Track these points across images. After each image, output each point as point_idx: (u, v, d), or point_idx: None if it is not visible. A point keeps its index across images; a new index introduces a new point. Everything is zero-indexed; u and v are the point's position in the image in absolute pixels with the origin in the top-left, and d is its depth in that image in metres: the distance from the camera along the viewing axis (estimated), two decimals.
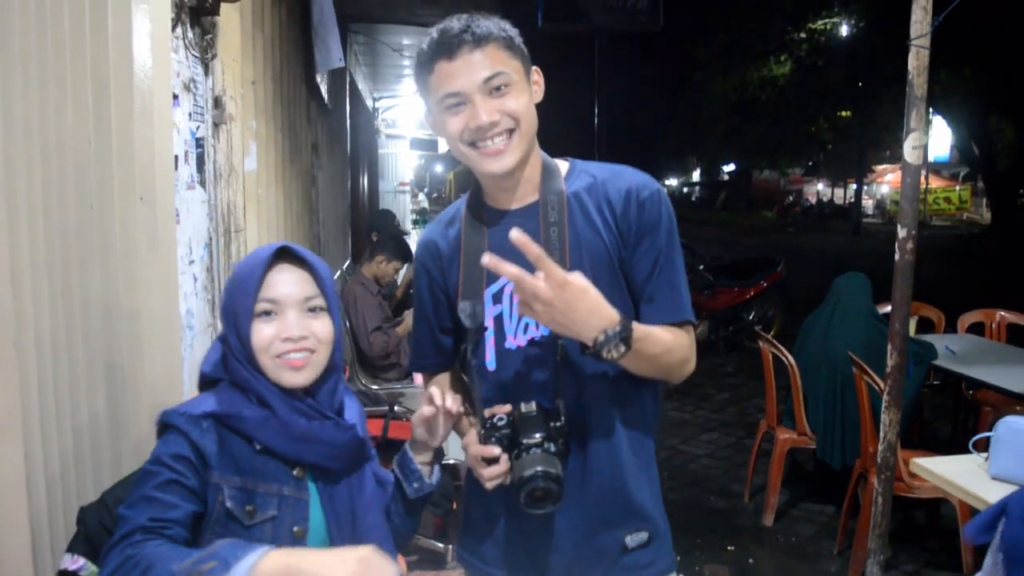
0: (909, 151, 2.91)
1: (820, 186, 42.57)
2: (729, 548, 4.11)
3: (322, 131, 6.46)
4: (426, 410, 1.53)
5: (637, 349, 1.42)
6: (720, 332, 8.63)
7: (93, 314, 1.73)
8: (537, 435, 1.47)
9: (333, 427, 1.47)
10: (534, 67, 1.58)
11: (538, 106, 1.58)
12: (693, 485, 4.98)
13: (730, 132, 31.63)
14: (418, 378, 4.63)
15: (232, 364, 1.45)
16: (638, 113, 26.81)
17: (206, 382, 1.52)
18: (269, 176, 4.10)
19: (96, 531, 1.56)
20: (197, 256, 3.04)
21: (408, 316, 5.10)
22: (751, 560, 4.00)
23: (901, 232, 2.96)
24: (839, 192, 41.41)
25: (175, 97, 2.69)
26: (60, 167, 1.59)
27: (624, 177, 1.60)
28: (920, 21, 2.86)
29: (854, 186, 32.98)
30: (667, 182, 50.65)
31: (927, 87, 2.91)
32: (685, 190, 49.49)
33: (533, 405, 1.51)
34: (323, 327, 1.48)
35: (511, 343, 1.60)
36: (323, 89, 6.20)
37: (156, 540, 1.27)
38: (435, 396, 1.53)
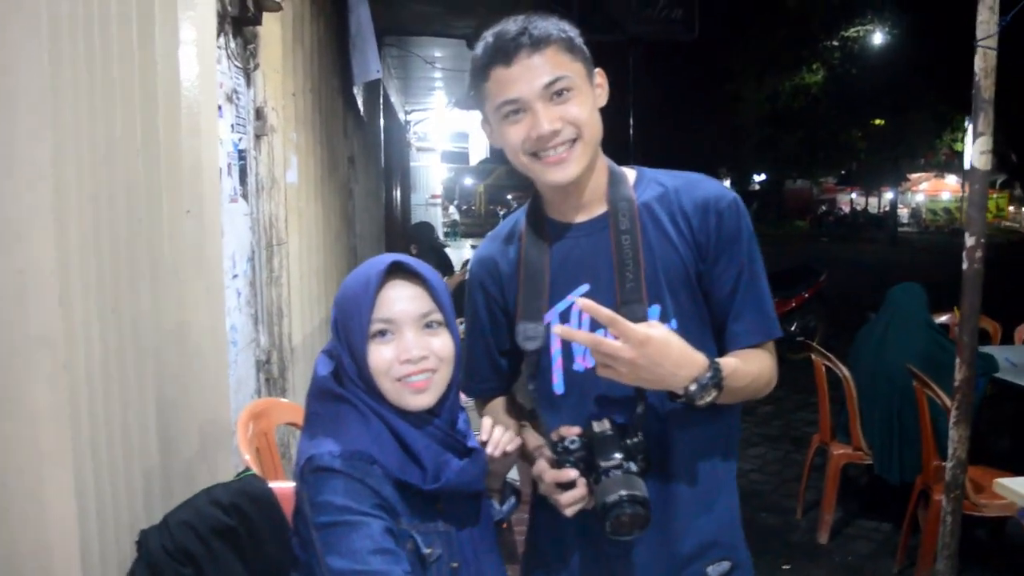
0: (977, 156, 2.79)
1: (853, 195, 42.11)
2: (784, 567, 3.97)
3: (358, 144, 6.43)
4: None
5: (727, 387, 1.34)
6: None
7: (143, 332, 1.67)
8: (616, 456, 1.36)
9: (469, 463, 1.38)
10: (597, 69, 1.48)
11: None
12: (742, 502, 4.82)
13: (762, 142, 31.40)
14: (462, 395, 4.55)
15: (348, 385, 1.35)
16: (670, 124, 26.64)
17: (324, 397, 1.40)
18: (309, 189, 4.06)
19: (158, 555, 1.49)
20: (240, 270, 2.99)
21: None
22: None
23: (969, 240, 2.84)
24: (873, 201, 40.95)
25: (219, 108, 2.64)
26: (110, 179, 1.52)
27: (700, 186, 1.50)
28: (987, 21, 2.74)
29: (888, 195, 32.56)
30: None
31: (993, 89, 2.79)
32: None
33: (607, 423, 1.41)
34: (443, 344, 1.37)
35: (580, 364, 1.50)
36: (359, 102, 6.17)
37: None
38: (484, 430, 1.44)
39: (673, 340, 1.31)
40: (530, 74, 1.38)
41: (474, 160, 18.19)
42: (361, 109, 6.26)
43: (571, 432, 1.42)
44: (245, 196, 3.09)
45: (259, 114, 3.21)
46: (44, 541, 1.31)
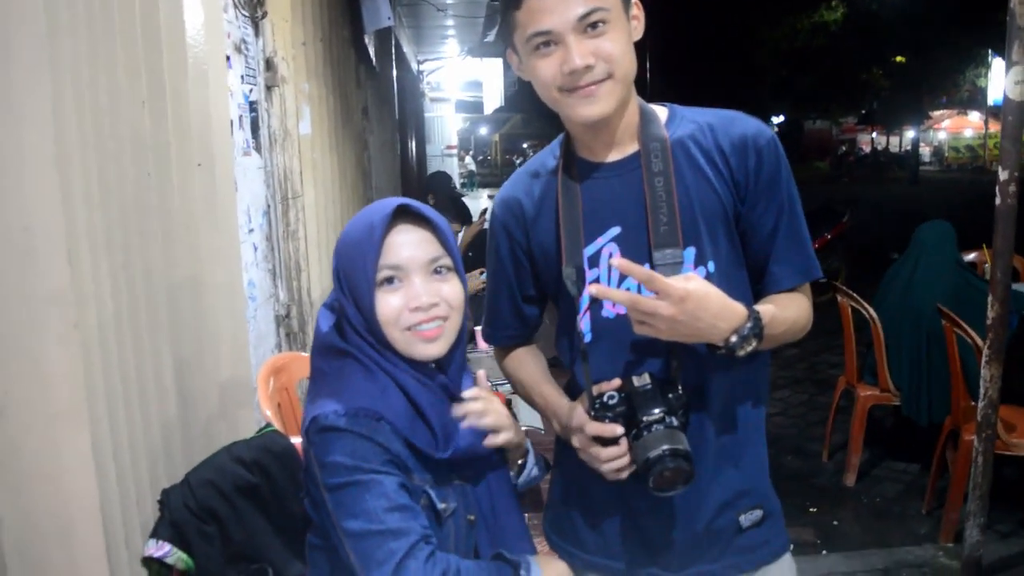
0: (1011, 86, 2.69)
1: (874, 135, 41.48)
2: (811, 510, 3.96)
3: (371, 95, 6.34)
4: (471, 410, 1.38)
5: (767, 335, 1.30)
6: None
7: (156, 289, 1.63)
8: (657, 410, 1.31)
9: (475, 431, 1.35)
10: (635, 0, 1.39)
11: None
12: (768, 445, 4.82)
13: (780, 82, 30.88)
14: (481, 343, 4.53)
15: (353, 339, 1.30)
16: (684, 64, 26.19)
17: (328, 352, 1.35)
18: (324, 140, 4.00)
19: (181, 514, 1.48)
20: (256, 224, 2.96)
21: (473, 277, 5.00)
22: (835, 522, 3.84)
23: (1002, 175, 2.74)
24: (894, 140, 40.30)
25: (227, 59, 2.58)
26: (114, 130, 1.48)
27: (737, 123, 1.42)
28: None
29: (910, 133, 32.00)
30: None
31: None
32: None
33: (647, 377, 1.36)
34: (453, 290, 1.32)
35: (610, 311, 1.43)
36: (371, 52, 6.07)
37: (437, 552, 1.22)
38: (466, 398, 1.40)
39: (712, 292, 1.25)
40: (564, 4, 1.29)
41: (488, 109, 18.02)
42: (373, 59, 6.16)
43: (610, 387, 1.37)
44: (258, 149, 3.04)
45: (269, 64, 3.14)
46: (63, 501, 1.30)
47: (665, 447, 1.27)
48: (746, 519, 1.47)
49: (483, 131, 42.96)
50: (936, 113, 36.86)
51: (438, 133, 17.33)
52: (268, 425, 1.78)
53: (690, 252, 1.39)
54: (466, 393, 1.38)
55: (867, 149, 39.49)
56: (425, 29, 11.45)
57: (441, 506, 1.28)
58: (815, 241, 6.62)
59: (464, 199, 7.15)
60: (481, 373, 1.45)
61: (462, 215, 5.11)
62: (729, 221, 1.41)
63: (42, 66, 1.23)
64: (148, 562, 1.45)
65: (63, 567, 1.32)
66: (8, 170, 1.22)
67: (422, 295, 1.27)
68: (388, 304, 1.26)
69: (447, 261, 1.32)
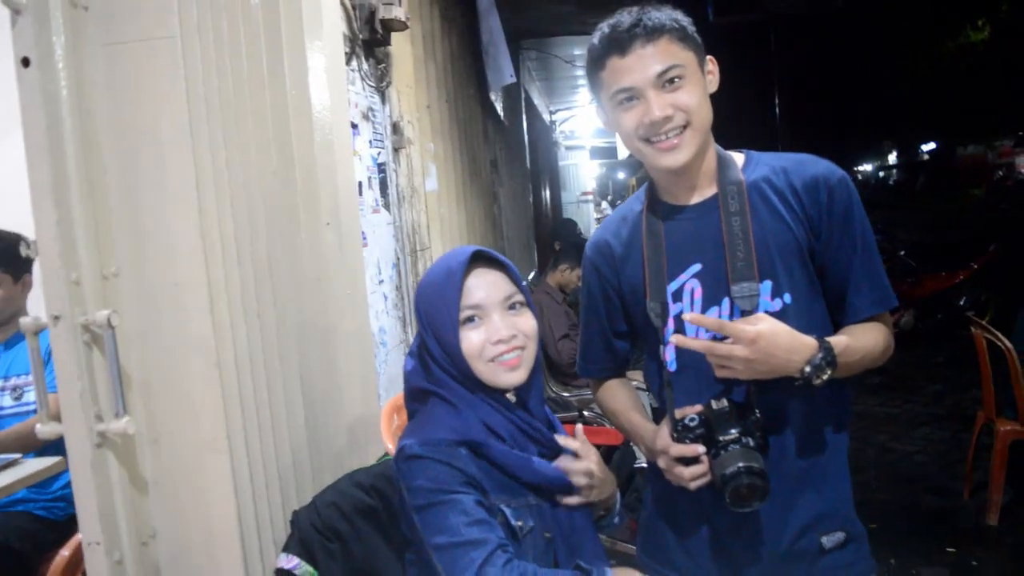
0: None
1: None
2: (948, 550, 3.82)
3: (500, 148, 6.61)
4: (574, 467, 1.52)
5: (841, 363, 1.39)
6: (928, 321, 8.06)
7: (288, 335, 1.85)
8: (733, 431, 1.42)
9: (554, 469, 1.48)
10: (708, 56, 1.53)
11: (713, 102, 1.53)
12: (906, 484, 4.66)
13: (927, 109, 29.60)
14: None
15: (436, 373, 1.46)
16: (822, 100, 25.55)
17: (416, 394, 1.53)
18: (450, 195, 4.25)
19: (308, 532, 1.67)
20: (386, 276, 3.19)
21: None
22: (974, 563, 3.70)
23: None
24: None
25: (355, 126, 2.84)
26: (248, 199, 1.71)
27: (808, 165, 1.53)
28: None
29: None
30: (860, 167, 48.02)
31: None
32: (881, 175, 46.78)
33: (725, 402, 1.47)
34: (527, 322, 1.48)
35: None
36: (498, 107, 6.36)
37: (515, 559, 1.34)
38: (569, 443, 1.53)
39: (780, 329, 1.36)
40: (643, 63, 1.44)
41: (623, 154, 18.15)
42: (501, 114, 6.44)
43: (691, 411, 1.48)
44: (387, 206, 3.29)
45: (395, 128, 3.40)
46: (207, 518, 1.51)
47: (741, 464, 1.38)
48: (828, 540, 1.53)
49: (620, 175, 43.07)
50: None
51: (573, 180, 17.58)
52: (386, 455, 1.97)
53: (767, 285, 1.49)
54: (563, 442, 1.52)
55: None
56: (555, 81, 11.77)
57: (517, 524, 1.40)
58: (960, 272, 6.38)
59: None
60: (579, 428, 1.58)
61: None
62: (804, 255, 1.50)
63: (186, 148, 1.48)
64: (280, 574, 1.65)
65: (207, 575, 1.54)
66: (160, 236, 1.47)
67: (501, 329, 1.44)
68: (471, 340, 1.43)
69: (519, 297, 1.48)
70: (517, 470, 1.43)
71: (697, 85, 1.47)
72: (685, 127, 1.46)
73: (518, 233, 7.56)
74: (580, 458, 1.52)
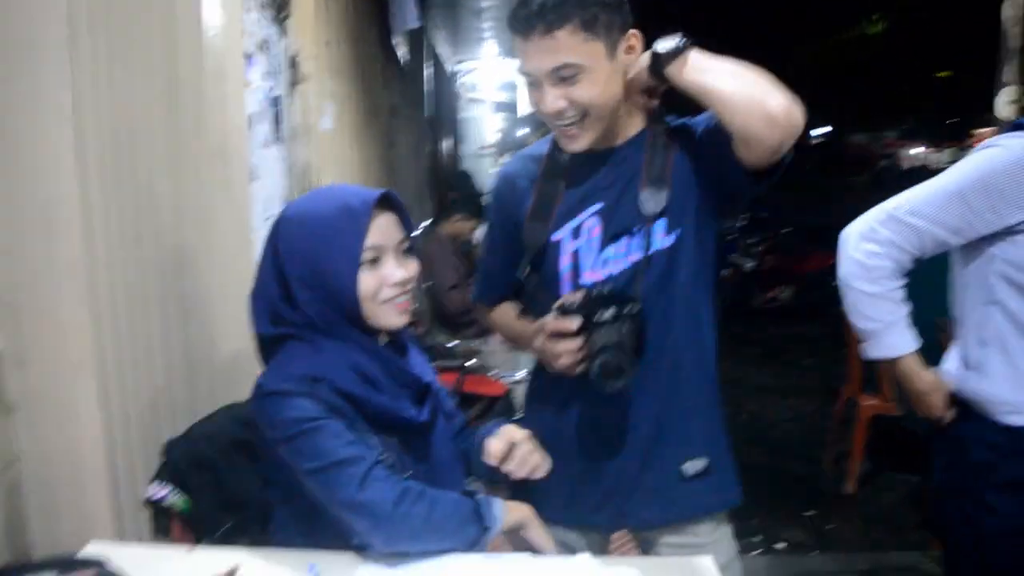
0: (1002, 106, 2.79)
1: (920, 149, 40.82)
2: (806, 514, 4.04)
3: (400, 94, 6.52)
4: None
5: (694, 53, 1.44)
6: (806, 297, 8.40)
7: (166, 264, 1.82)
8: (610, 311, 1.46)
9: (416, 410, 1.49)
10: (631, 32, 1.50)
11: None
12: (774, 451, 4.90)
13: (821, 95, 30.56)
14: (494, 339, 4.69)
15: (300, 318, 1.42)
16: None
17: (268, 342, 1.49)
18: (345, 137, 4.18)
19: (181, 463, 1.65)
20: (273, 212, 3.13)
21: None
22: (829, 527, 3.93)
23: None
24: (938, 157, 39.61)
25: (249, 57, 2.77)
26: (130, 123, 1.66)
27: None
28: None
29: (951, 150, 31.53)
30: None
31: (1021, 39, 2.78)
32: None
33: (607, 286, 1.52)
34: (415, 267, 1.49)
35: (587, 279, 1.59)
36: (401, 52, 6.25)
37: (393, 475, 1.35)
38: (491, 455, 1.53)
39: None
40: (540, 55, 1.44)
41: (522, 110, 18.14)
42: (402, 60, 6.34)
43: (571, 296, 1.54)
44: (279, 142, 3.23)
45: (292, 63, 3.32)
46: (74, 444, 1.48)
47: (613, 339, 1.43)
48: (690, 467, 1.61)
49: (521, 132, 42.98)
50: (978, 131, 36.17)
51: (474, 133, 17.47)
52: None
53: (662, 222, 1.56)
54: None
55: (908, 164, 38.86)
56: (461, 31, 11.60)
57: (382, 456, 1.40)
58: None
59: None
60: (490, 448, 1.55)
61: (480, 211, 5.27)
62: (702, 188, 1.57)
63: (63, 62, 1.42)
64: (150, 503, 1.63)
65: (73, 503, 1.51)
66: (32, 155, 1.42)
67: (397, 272, 1.44)
68: (367, 281, 1.41)
69: (408, 243, 1.49)
70: (378, 413, 1.43)
71: (597, 79, 1.46)
72: (582, 117, 1.49)
73: (414, 181, 7.50)
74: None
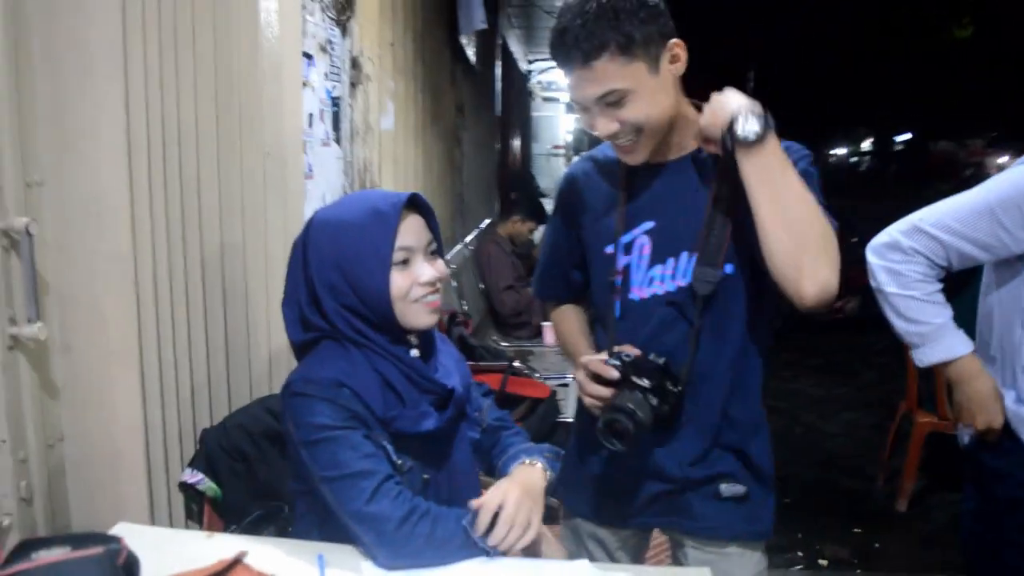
0: None
1: (1006, 158, 39.48)
2: (855, 531, 3.97)
3: (468, 93, 6.58)
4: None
5: (769, 150, 1.40)
6: (873, 309, 8.17)
7: (212, 259, 1.89)
8: (647, 382, 1.49)
9: (440, 419, 1.52)
10: (673, 41, 1.47)
11: (685, 77, 1.52)
12: (825, 464, 4.82)
13: (906, 100, 29.75)
14: (548, 337, 4.70)
15: (334, 322, 1.46)
16: (800, 81, 25.50)
17: (301, 346, 1.55)
18: (408, 135, 4.24)
19: (215, 452, 1.73)
20: None
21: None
22: (877, 545, 3.85)
23: None
24: None
25: (310, 57, 2.84)
26: (180, 123, 1.73)
27: None
28: None
29: None
30: (834, 152, 48.22)
31: None
32: (853, 160, 47.05)
33: (663, 360, 1.53)
34: (442, 268, 1.54)
35: (635, 294, 1.61)
36: (470, 52, 6.31)
37: (404, 492, 1.40)
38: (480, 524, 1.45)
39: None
40: (583, 85, 1.45)
41: None
42: (472, 59, 6.40)
43: (631, 350, 1.55)
44: (338, 140, 3.30)
45: (354, 63, 3.39)
46: (114, 427, 1.56)
47: (630, 405, 1.45)
48: (727, 490, 1.61)
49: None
50: None
51: (546, 132, 17.49)
52: None
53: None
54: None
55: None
56: (535, 30, 11.63)
57: (398, 461, 1.46)
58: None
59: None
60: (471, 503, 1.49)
61: (538, 214, 5.30)
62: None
63: (117, 61, 1.49)
64: (183, 487, 1.70)
65: (110, 483, 1.58)
66: (84, 149, 1.49)
67: (427, 272, 1.49)
68: (398, 281, 1.46)
69: (435, 245, 1.53)
70: (398, 424, 1.47)
71: (645, 93, 1.45)
72: (637, 133, 1.49)
73: (480, 179, 7.56)
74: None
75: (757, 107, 1.41)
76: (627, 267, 1.61)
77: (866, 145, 48.22)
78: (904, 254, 1.72)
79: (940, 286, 1.73)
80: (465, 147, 6.44)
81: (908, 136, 37.92)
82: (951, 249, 1.66)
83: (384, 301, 1.45)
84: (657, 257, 1.58)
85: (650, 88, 1.46)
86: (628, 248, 1.61)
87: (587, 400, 1.55)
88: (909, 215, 1.75)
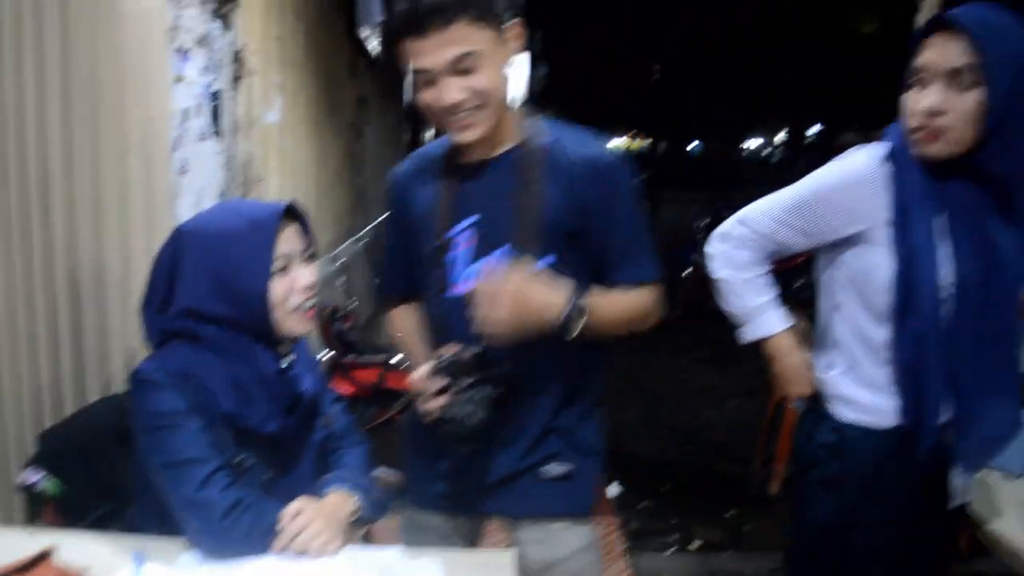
0: None
1: None
2: (729, 514, 4.11)
3: (372, 85, 6.56)
4: None
5: (593, 319, 1.52)
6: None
7: (55, 257, 1.88)
8: (471, 379, 1.54)
9: (286, 423, 1.55)
10: (514, 21, 1.52)
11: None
12: (708, 450, 4.96)
13: (815, 92, 30.50)
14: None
15: (207, 329, 1.47)
16: (710, 71, 25.92)
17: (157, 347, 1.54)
18: (297, 128, 4.23)
19: (58, 448, 1.70)
20: (209, 204, 3.19)
21: None
22: (747, 527, 3.99)
23: None
24: None
25: (185, 52, 2.83)
26: (38, 120, 1.73)
27: (587, 145, 1.62)
28: None
29: None
30: (747, 144, 49.36)
31: None
32: (766, 152, 48.21)
33: (473, 350, 1.57)
34: (315, 274, 1.56)
35: (459, 290, 1.64)
36: (372, 43, 6.29)
37: (235, 484, 1.42)
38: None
39: (535, 279, 1.50)
40: (438, 49, 1.46)
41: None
42: (373, 52, 6.38)
43: (447, 350, 1.59)
44: (218, 135, 3.28)
45: (236, 57, 3.38)
46: None
47: (459, 414, 1.53)
48: (551, 470, 1.67)
49: None
50: None
51: None
52: None
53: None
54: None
55: None
56: None
57: (238, 457, 1.47)
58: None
59: None
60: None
61: None
62: (570, 232, 1.60)
63: None
64: (22, 489, 1.69)
65: None
66: None
67: (305, 279, 1.52)
68: (277, 289, 1.48)
69: (311, 250, 1.57)
70: (243, 421, 1.49)
71: (492, 66, 1.50)
72: (479, 107, 1.52)
73: (384, 172, 7.52)
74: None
75: (569, 304, 1.51)
76: (452, 263, 1.65)
77: (780, 137, 49.45)
78: (734, 241, 1.85)
79: (765, 270, 1.85)
80: (368, 140, 6.44)
81: (818, 128, 38.99)
82: (777, 235, 1.80)
83: (263, 308, 1.48)
84: (482, 250, 1.62)
85: (498, 58, 1.51)
86: (453, 244, 1.65)
87: (425, 416, 1.59)
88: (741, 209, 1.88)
